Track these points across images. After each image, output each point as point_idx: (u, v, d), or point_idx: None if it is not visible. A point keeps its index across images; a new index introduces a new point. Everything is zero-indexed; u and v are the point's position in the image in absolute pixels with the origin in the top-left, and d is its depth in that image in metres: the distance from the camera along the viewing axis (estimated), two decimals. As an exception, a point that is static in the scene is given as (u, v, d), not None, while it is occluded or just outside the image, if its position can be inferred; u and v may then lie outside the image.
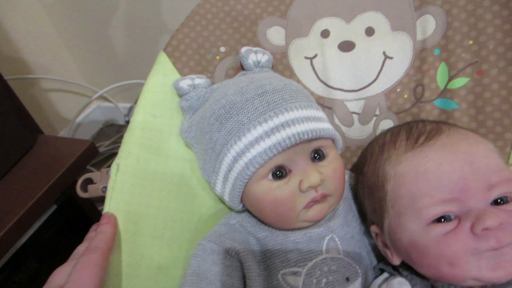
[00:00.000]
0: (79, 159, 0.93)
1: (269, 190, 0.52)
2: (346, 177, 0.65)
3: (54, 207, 1.00)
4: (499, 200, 0.46)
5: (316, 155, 0.55)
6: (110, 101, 1.84)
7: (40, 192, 0.84)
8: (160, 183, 0.61)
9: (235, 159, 0.53)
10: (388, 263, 0.57)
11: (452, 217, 0.46)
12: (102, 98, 1.85)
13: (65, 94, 1.81)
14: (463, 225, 0.45)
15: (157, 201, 0.59)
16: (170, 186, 0.61)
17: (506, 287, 0.45)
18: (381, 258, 0.60)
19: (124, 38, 1.65)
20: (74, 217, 1.07)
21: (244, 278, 0.54)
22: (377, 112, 0.69)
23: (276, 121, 0.51)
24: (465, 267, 0.44)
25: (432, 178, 0.47)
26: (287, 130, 0.51)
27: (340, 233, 0.58)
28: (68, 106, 1.81)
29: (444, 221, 0.47)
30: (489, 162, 0.47)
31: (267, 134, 0.51)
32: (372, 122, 0.69)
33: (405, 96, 0.68)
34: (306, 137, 0.51)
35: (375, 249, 0.62)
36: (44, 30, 1.68)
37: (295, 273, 0.53)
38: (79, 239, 0.54)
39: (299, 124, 0.52)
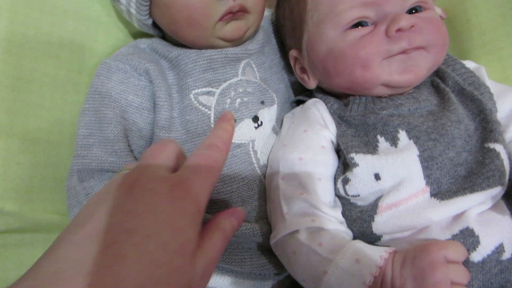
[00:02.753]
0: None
1: None
2: (267, 13, 0.62)
3: None
4: (413, 11, 0.47)
5: None
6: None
7: None
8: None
9: None
10: (305, 95, 0.57)
11: (369, 23, 0.46)
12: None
13: None
14: (379, 29, 0.45)
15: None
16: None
17: (399, 106, 0.47)
18: (299, 94, 0.60)
19: None
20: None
21: (154, 98, 0.50)
22: None
23: None
24: (376, 70, 0.45)
25: None
26: None
27: (258, 60, 0.55)
28: None
29: (360, 27, 0.46)
30: None
31: None
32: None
33: None
34: None
35: (294, 85, 0.61)
36: None
37: (208, 93, 0.50)
38: None
39: None
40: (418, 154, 0.43)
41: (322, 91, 0.55)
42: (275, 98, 0.55)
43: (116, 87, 0.48)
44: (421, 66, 0.46)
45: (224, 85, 0.51)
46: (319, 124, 0.49)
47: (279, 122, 0.55)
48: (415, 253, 0.37)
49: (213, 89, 0.51)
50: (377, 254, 0.38)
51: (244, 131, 0.50)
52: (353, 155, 0.44)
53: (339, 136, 0.48)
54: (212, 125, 0.49)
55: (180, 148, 0.35)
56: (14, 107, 0.46)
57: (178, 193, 0.29)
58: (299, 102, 0.58)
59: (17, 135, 0.46)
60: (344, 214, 0.46)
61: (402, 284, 0.36)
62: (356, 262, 0.38)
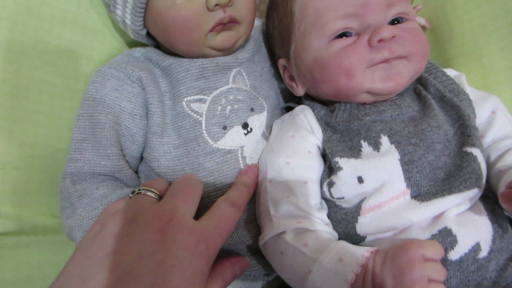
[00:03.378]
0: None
1: (172, 5, 0.48)
2: (258, 23, 0.64)
3: None
4: (395, 22, 0.49)
5: None
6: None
7: None
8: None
9: None
10: (294, 102, 0.60)
11: (353, 34, 0.48)
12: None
13: None
14: (362, 39, 0.47)
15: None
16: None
17: (382, 113, 0.49)
18: (289, 101, 0.62)
19: None
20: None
21: (147, 105, 0.52)
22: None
23: None
24: (360, 78, 0.47)
25: None
26: None
27: (248, 69, 0.57)
28: None
29: (345, 37, 0.48)
30: None
31: None
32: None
33: None
34: None
35: (284, 92, 0.63)
36: None
37: (200, 100, 0.52)
38: None
39: None
40: (399, 158, 0.45)
41: (310, 98, 0.57)
42: (265, 105, 0.57)
43: (110, 94, 0.50)
44: (403, 74, 0.48)
45: (215, 92, 0.53)
46: (306, 130, 0.51)
47: (269, 128, 0.56)
48: (394, 251, 0.39)
49: (205, 97, 0.53)
50: (359, 253, 0.40)
51: (234, 138, 0.52)
52: (337, 159, 0.46)
53: (325, 141, 0.50)
54: (204, 132, 0.51)
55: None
56: (13, 113, 0.48)
57: (201, 249, 0.34)
58: (288, 109, 0.60)
59: (15, 140, 0.48)
60: (329, 216, 0.47)
61: (382, 281, 0.37)
62: (339, 261, 0.40)
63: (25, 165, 0.49)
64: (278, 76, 0.62)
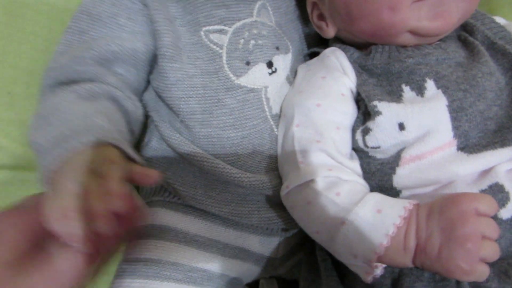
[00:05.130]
0: None
1: None
2: None
3: None
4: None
5: None
6: None
7: None
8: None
9: None
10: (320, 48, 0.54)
11: (401, -39, 0.42)
12: None
13: None
14: None
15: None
16: None
17: (427, 56, 0.43)
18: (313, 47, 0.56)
19: None
20: None
21: (152, 23, 0.45)
22: None
23: None
24: (405, 13, 0.41)
25: None
26: None
27: (273, 4, 0.51)
28: None
29: (391, -35, 0.42)
30: None
31: None
32: None
33: None
34: None
35: (308, 37, 0.57)
36: None
37: (220, 31, 0.46)
38: None
39: None
40: (447, 104, 0.40)
41: (340, 42, 0.51)
42: (290, 47, 0.51)
43: (107, 10, 0.43)
44: (453, 13, 0.42)
45: (238, 24, 0.47)
46: (338, 71, 0.46)
47: (293, 73, 0.51)
48: (442, 204, 0.34)
49: (226, 28, 0.46)
50: (400, 205, 0.35)
51: (257, 76, 0.46)
52: (376, 102, 0.41)
53: (359, 85, 0.44)
54: (225, 65, 0.45)
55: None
56: (7, 33, 0.42)
57: None
58: (313, 56, 0.54)
59: (9, 63, 0.42)
60: (361, 167, 0.43)
61: (428, 235, 0.33)
62: (377, 212, 0.35)
63: (21, 92, 0.43)
64: (303, 18, 0.56)
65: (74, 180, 0.29)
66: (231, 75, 0.45)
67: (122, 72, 0.44)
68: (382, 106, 0.41)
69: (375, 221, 0.35)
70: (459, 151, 0.39)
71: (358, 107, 0.45)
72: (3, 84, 0.42)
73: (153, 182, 0.33)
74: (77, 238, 0.26)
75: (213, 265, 0.44)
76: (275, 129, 0.47)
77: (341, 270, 0.43)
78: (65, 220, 0.27)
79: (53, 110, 0.37)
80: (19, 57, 0.43)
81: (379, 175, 0.41)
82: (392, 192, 0.41)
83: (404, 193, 0.41)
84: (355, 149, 0.44)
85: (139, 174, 0.32)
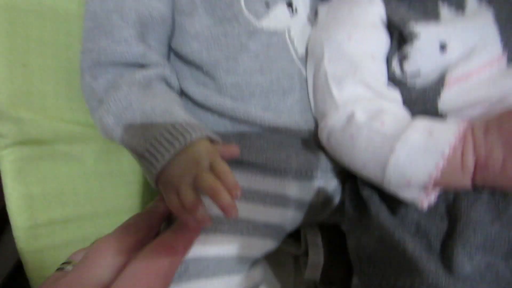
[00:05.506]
0: None
1: None
2: None
3: None
4: None
5: None
6: None
7: None
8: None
9: None
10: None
11: None
12: None
13: None
14: None
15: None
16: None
17: None
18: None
19: None
20: None
21: None
22: None
23: None
24: None
25: None
26: None
27: None
28: None
29: None
30: None
31: None
32: None
33: None
34: None
35: None
36: None
37: None
38: None
39: None
40: (494, 14, 0.37)
41: None
42: None
43: None
44: None
45: None
46: (364, 1, 0.43)
47: (314, 12, 0.48)
48: (501, 118, 0.32)
49: None
50: (453, 125, 0.33)
51: (279, 17, 0.44)
52: (412, 24, 0.38)
53: (389, 10, 0.41)
54: (244, 8, 0.42)
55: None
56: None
57: None
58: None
59: (19, 34, 0.40)
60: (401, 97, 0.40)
61: (488, 151, 0.31)
62: (429, 135, 0.33)
63: (35, 63, 0.41)
64: None
65: (192, 176, 0.32)
66: (251, 18, 0.43)
67: (155, 45, 0.42)
68: (420, 27, 0.38)
69: (428, 144, 0.33)
70: (510, 64, 0.36)
71: (391, 35, 0.42)
72: (16, 55, 0.40)
73: (236, 156, 0.37)
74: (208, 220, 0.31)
75: (256, 214, 0.43)
76: (303, 71, 0.45)
77: (389, 205, 0.42)
78: (196, 209, 0.30)
79: (128, 107, 0.37)
80: (28, 28, 0.40)
81: (422, 102, 0.39)
82: (437, 118, 0.39)
83: (450, 117, 0.38)
84: (392, 80, 0.41)
85: (225, 152, 0.35)
